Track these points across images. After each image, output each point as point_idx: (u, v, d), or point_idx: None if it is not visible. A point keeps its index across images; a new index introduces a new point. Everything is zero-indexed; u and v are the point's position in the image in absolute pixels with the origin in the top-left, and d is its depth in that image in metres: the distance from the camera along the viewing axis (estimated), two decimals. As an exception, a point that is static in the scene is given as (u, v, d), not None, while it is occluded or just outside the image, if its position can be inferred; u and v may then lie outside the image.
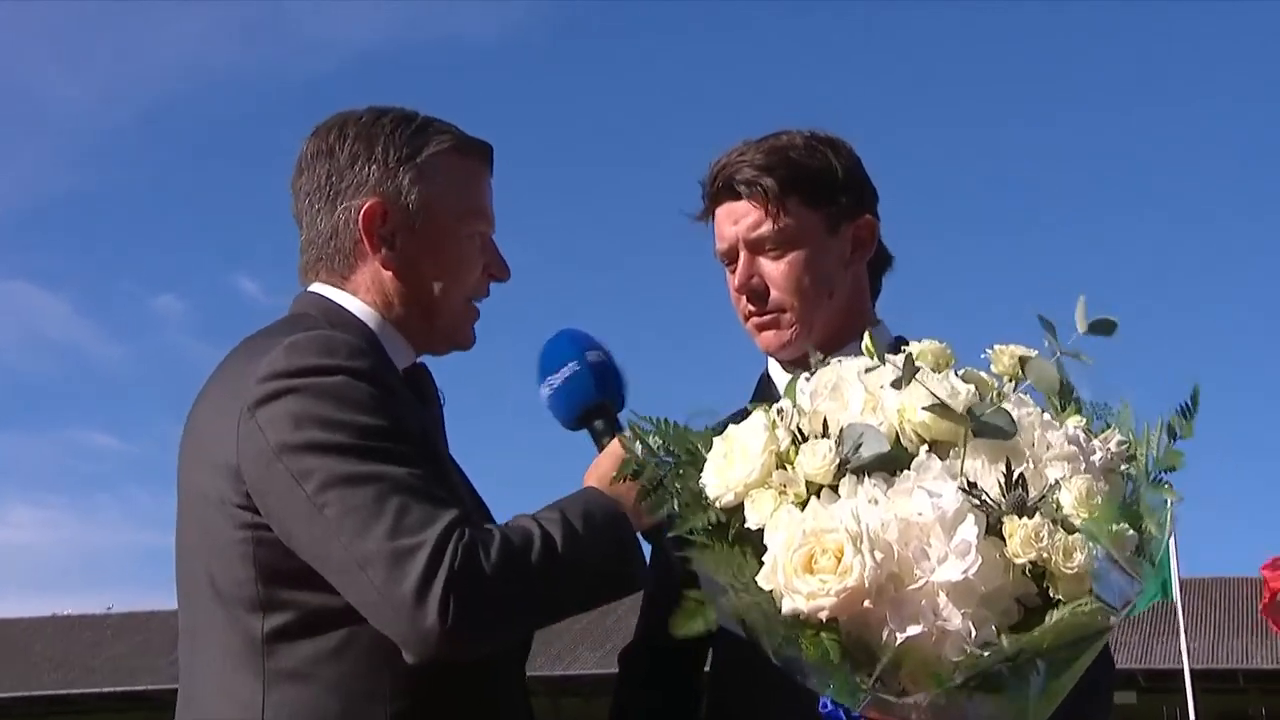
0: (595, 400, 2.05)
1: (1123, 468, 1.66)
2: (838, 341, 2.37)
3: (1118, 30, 54.11)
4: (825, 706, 1.88)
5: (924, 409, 1.60)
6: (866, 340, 1.85)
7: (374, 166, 2.15)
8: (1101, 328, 1.67)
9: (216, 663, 2.01)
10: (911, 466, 1.57)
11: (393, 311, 2.16)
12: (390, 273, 2.15)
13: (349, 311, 2.14)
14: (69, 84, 60.82)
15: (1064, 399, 1.72)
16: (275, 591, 1.95)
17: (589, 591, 2.00)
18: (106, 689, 33.86)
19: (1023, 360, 1.68)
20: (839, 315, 2.39)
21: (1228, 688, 27.62)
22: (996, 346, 1.73)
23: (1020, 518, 1.50)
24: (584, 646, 31.57)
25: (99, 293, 57.99)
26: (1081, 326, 1.66)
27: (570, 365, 2.09)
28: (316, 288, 2.19)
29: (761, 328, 2.38)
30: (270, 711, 1.94)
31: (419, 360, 2.23)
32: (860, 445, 1.60)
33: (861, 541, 1.45)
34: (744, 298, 2.39)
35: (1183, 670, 21.22)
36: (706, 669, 2.55)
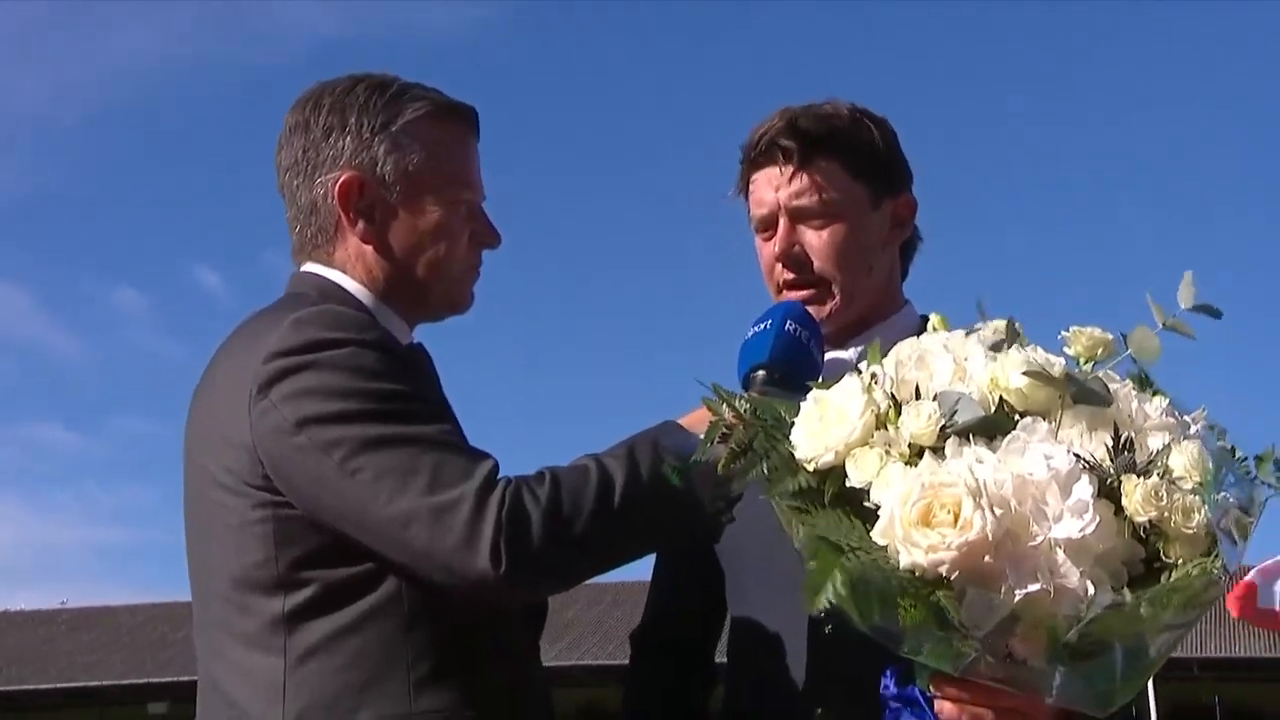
0: (764, 360, 2.01)
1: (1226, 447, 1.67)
2: (869, 321, 2.35)
3: (1118, 29, 54.63)
4: (889, 689, 1.86)
5: (1023, 374, 1.60)
6: (935, 319, 1.84)
7: (348, 138, 2.11)
8: (1208, 310, 1.66)
9: (232, 648, 1.99)
10: (1018, 428, 1.57)
11: (379, 287, 2.12)
12: (370, 247, 2.12)
13: (344, 290, 2.11)
14: (24, 77, 60.11)
15: (1143, 386, 1.72)
16: (296, 570, 1.93)
17: (651, 531, 1.98)
18: (60, 685, 33.53)
19: (1124, 336, 1.67)
20: (874, 293, 2.36)
21: (1183, 676, 27.91)
22: (1073, 328, 1.72)
23: (1137, 477, 1.50)
24: (543, 639, 31.53)
25: (59, 287, 57.43)
26: (1186, 303, 1.64)
27: (765, 324, 2.05)
28: (309, 267, 2.15)
29: (799, 299, 2.30)
30: (293, 689, 1.93)
31: (417, 342, 2.20)
32: (956, 411, 1.60)
33: (981, 497, 1.44)
34: (781, 265, 2.33)
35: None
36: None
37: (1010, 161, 54.44)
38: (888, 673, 1.91)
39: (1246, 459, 1.68)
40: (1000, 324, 1.76)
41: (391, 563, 1.90)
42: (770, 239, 2.35)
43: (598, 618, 31.15)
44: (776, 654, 2.24)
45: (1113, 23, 54.70)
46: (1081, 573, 1.45)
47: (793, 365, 2.01)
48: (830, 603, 1.49)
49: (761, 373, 2.01)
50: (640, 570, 2.58)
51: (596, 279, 54.41)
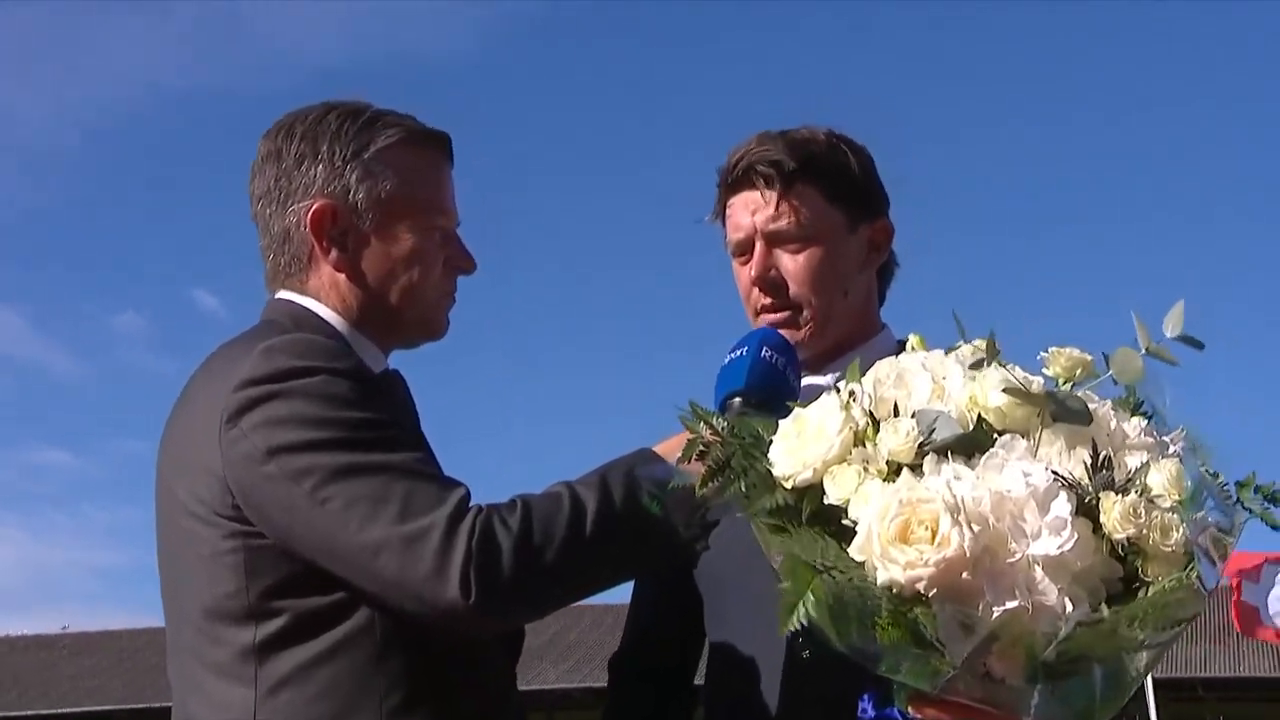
0: (740, 387, 2.00)
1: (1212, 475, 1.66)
2: (845, 346, 2.34)
3: (1119, 30, 54.71)
4: (866, 712, 1.85)
5: (1003, 391, 1.59)
6: (913, 339, 1.83)
7: (320, 166, 2.10)
8: (1191, 341, 1.65)
9: (204, 677, 1.98)
10: (997, 446, 1.56)
11: (353, 315, 2.11)
12: (343, 275, 2.11)
13: (318, 317, 2.10)
14: (21, 97, 60.26)
15: (1125, 407, 1.71)
16: (267, 600, 1.92)
17: (624, 558, 1.97)
18: (62, 710, 33.43)
19: (1106, 356, 1.67)
20: (850, 318, 2.36)
21: (1187, 696, 27.82)
22: (1053, 349, 1.72)
23: (1115, 494, 1.49)
24: (545, 662, 31.44)
25: (58, 310, 57.50)
26: (1172, 330, 1.64)
27: (741, 350, 2.04)
28: (283, 294, 2.15)
29: (775, 323, 2.31)
30: (263, 718, 1.91)
31: (392, 369, 2.19)
32: (934, 429, 1.59)
33: (959, 513, 1.43)
34: (757, 290, 2.34)
35: (1143, 680, 21.34)
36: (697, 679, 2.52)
37: (1010, 162, 54.50)
38: (865, 696, 1.89)
39: (1227, 483, 1.67)
40: (980, 343, 1.76)
41: (363, 592, 1.89)
42: (747, 263, 2.35)
43: (599, 640, 31.06)
44: (754, 677, 2.23)
45: (1113, 23, 54.82)
46: (1060, 590, 1.45)
47: (769, 392, 2.00)
48: (803, 624, 1.47)
49: (738, 400, 2.00)
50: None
51: (596, 279, 54.47)
